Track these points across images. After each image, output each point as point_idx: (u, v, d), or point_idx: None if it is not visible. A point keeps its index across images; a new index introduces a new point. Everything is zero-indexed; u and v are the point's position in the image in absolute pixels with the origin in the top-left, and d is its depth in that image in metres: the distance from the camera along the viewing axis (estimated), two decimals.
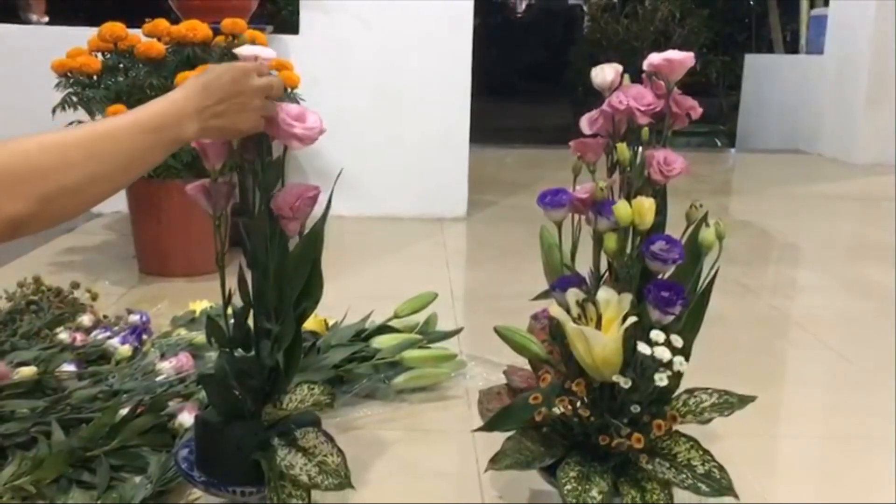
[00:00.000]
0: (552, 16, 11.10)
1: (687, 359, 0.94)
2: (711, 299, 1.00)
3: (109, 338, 1.45)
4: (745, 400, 1.02)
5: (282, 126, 0.93)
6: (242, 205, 0.98)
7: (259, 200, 0.96)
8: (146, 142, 0.89)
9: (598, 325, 0.94)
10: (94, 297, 1.69)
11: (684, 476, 0.94)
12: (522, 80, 10.10)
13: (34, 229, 0.85)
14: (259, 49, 0.95)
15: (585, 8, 9.27)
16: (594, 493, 0.92)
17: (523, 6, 11.91)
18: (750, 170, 4.91)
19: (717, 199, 3.67)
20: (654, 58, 0.98)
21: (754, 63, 6.29)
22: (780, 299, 2.24)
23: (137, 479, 1.07)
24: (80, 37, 2.20)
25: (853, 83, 4.69)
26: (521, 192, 3.50)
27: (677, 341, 0.93)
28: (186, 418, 1.17)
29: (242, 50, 0.95)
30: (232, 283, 1.00)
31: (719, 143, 6.51)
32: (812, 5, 6.19)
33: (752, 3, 8.21)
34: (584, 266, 1.04)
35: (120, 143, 0.88)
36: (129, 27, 2.14)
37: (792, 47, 6.94)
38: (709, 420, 1.01)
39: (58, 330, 1.47)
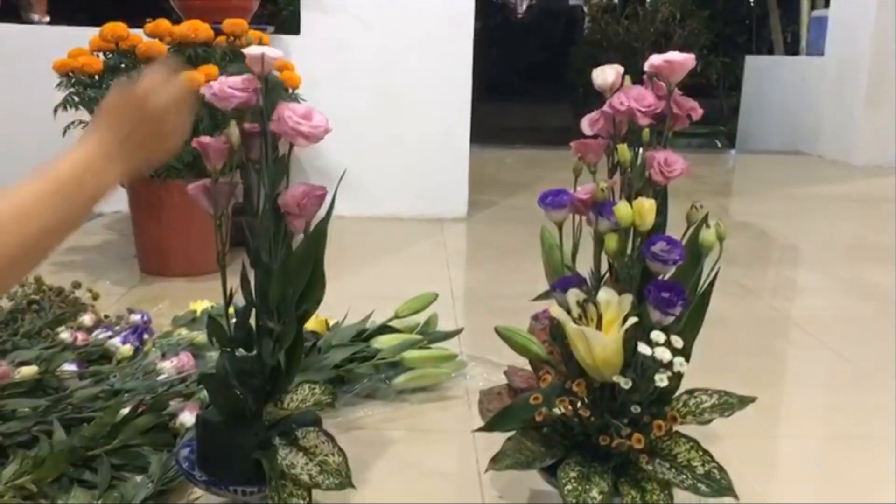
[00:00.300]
0: (552, 17, 11.10)
1: (687, 359, 0.94)
2: (711, 300, 1.00)
3: (110, 337, 1.45)
4: (745, 401, 1.02)
5: (288, 124, 0.93)
6: (246, 203, 0.98)
7: (263, 198, 0.96)
8: (64, 207, 0.78)
9: (599, 326, 0.94)
10: (96, 297, 1.69)
11: (684, 476, 0.94)
12: (523, 81, 10.10)
13: None
14: (265, 49, 0.95)
15: (586, 9, 9.27)
16: (594, 493, 0.93)
17: (524, 7, 11.91)
18: (750, 171, 4.91)
19: (717, 200, 3.68)
20: (655, 59, 0.98)
21: (755, 64, 6.29)
22: (780, 300, 2.24)
23: (139, 478, 1.08)
24: (82, 37, 2.20)
25: (853, 85, 4.70)
26: (521, 193, 3.50)
27: (678, 342, 0.93)
28: (188, 418, 1.18)
29: (249, 50, 0.95)
30: (233, 282, 1.00)
31: (719, 145, 6.52)
32: (813, 7, 6.19)
33: (752, 4, 8.21)
34: (584, 267, 1.04)
35: (34, 218, 0.76)
36: (130, 27, 2.14)
37: (792, 49, 6.94)
38: (709, 421, 1.01)
39: (59, 329, 1.47)
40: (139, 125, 0.84)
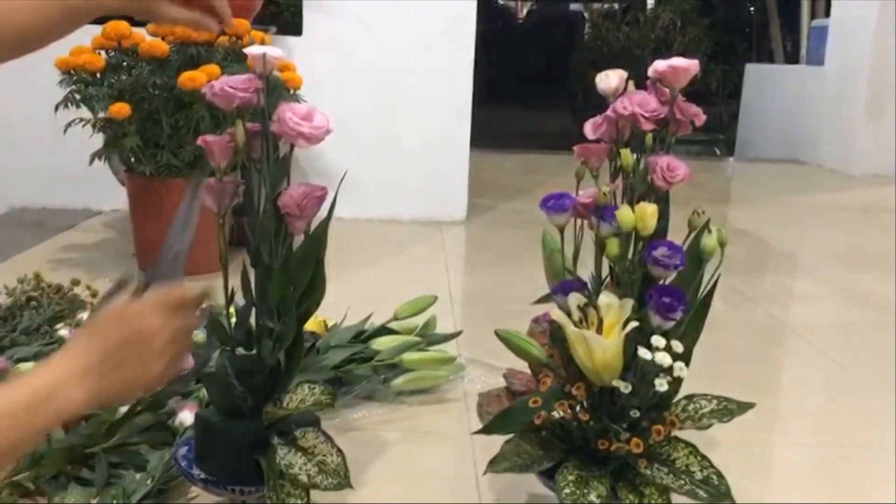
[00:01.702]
0: (553, 22, 11.11)
1: (687, 364, 0.95)
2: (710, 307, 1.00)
3: None
4: (744, 406, 1.02)
5: (289, 124, 0.93)
6: (247, 203, 0.98)
7: (264, 199, 0.96)
8: (22, 429, 0.68)
9: (599, 330, 0.94)
10: (94, 294, 1.69)
11: (683, 481, 0.94)
12: (523, 86, 10.11)
13: None
14: (267, 49, 0.95)
15: (586, 14, 9.28)
16: (593, 497, 0.93)
17: (524, 12, 11.94)
18: (748, 179, 4.92)
19: (715, 207, 3.68)
20: (660, 64, 0.98)
21: (754, 72, 6.31)
22: (777, 308, 2.24)
23: (138, 475, 1.07)
24: (84, 34, 2.20)
25: (853, 94, 4.71)
26: (520, 197, 3.50)
27: (678, 347, 0.93)
28: (187, 417, 1.18)
29: (251, 50, 0.95)
30: (233, 282, 1.00)
31: (718, 152, 6.52)
32: (813, 16, 6.21)
33: (753, 12, 8.24)
34: (585, 271, 1.04)
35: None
36: (132, 25, 2.14)
37: (792, 57, 6.96)
38: (708, 426, 1.01)
39: (58, 326, 1.47)
40: (120, 346, 0.74)
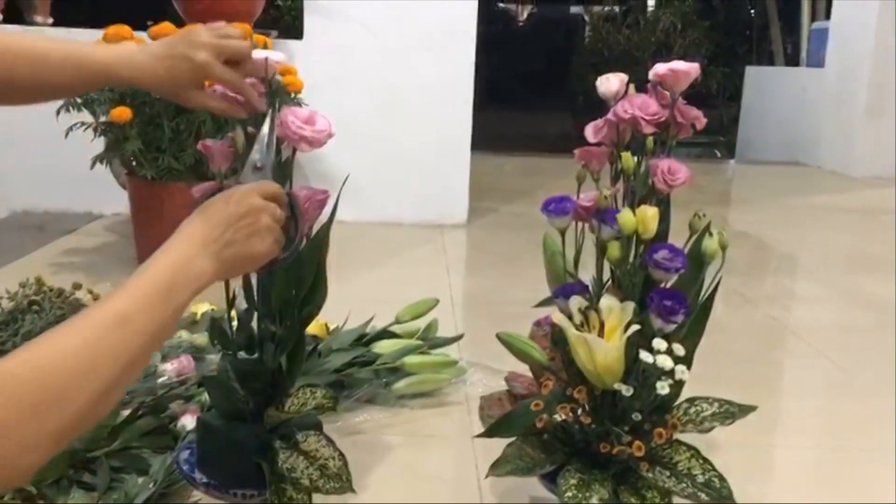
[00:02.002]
0: (553, 25, 11.13)
1: (689, 367, 0.95)
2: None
3: None
4: (745, 409, 1.02)
5: (291, 128, 0.93)
6: None
7: None
8: (162, 310, 0.72)
9: (601, 333, 0.94)
10: (96, 298, 1.69)
11: (684, 485, 0.94)
12: (523, 89, 10.11)
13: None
14: (269, 52, 0.96)
15: (587, 17, 9.30)
16: (594, 500, 0.93)
17: (525, 15, 11.95)
18: (749, 181, 4.92)
19: (716, 209, 3.68)
20: (660, 67, 0.99)
21: (755, 75, 6.31)
22: (778, 310, 2.25)
23: (140, 479, 1.07)
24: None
25: (853, 96, 4.71)
26: (521, 200, 3.50)
27: (679, 350, 0.93)
28: (189, 421, 1.18)
29: (253, 54, 0.95)
30: (234, 285, 1.00)
31: (719, 154, 6.53)
32: (813, 18, 6.21)
33: (753, 15, 8.24)
34: (586, 274, 1.04)
35: (132, 326, 0.69)
36: (134, 30, 2.14)
37: (793, 60, 6.97)
38: (709, 429, 1.01)
39: None
40: (234, 221, 0.80)
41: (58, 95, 1.09)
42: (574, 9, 11.21)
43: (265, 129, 0.93)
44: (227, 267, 0.80)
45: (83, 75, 0.95)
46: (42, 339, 0.65)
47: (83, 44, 0.96)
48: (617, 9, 8.34)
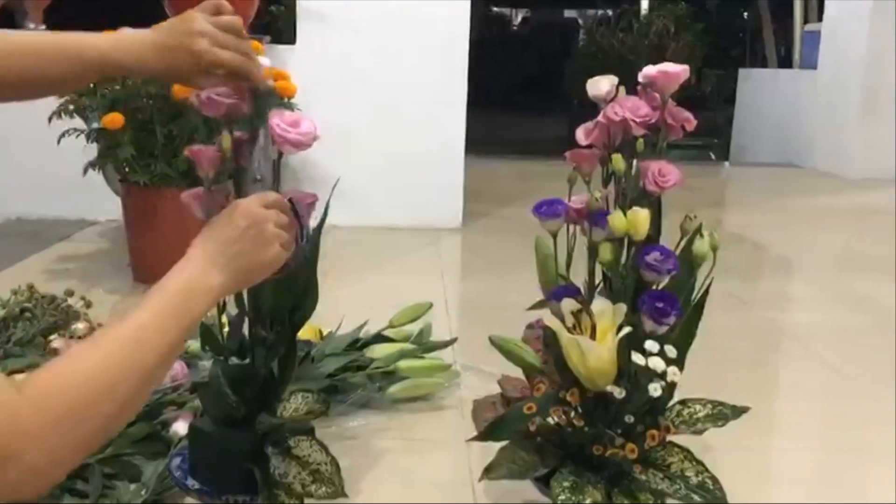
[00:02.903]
0: (548, 29, 11.15)
1: (681, 369, 0.94)
2: (704, 311, 1.00)
3: None
4: (738, 411, 1.02)
5: (276, 131, 0.93)
6: None
7: None
8: (176, 327, 0.76)
9: (593, 336, 0.94)
10: (89, 305, 1.68)
11: (678, 486, 0.94)
12: (518, 93, 10.13)
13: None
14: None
15: (581, 21, 9.32)
16: (588, 503, 0.92)
17: (519, 19, 11.98)
18: (743, 183, 4.93)
19: (710, 212, 3.68)
20: (650, 70, 0.99)
21: (748, 77, 6.33)
22: (773, 312, 2.25)
23: (132, 486, 1.07)
24: None
25: (846, 98, 4.73)
26: (515, 204, 3.50)
27: (671, 352, 0.93)
28: (181, 427, 1.17)
29: None
30: None
31: (713, 157, 6.54)
32: (806, 21, 6.23)
33: (746, 18, 8.27)
34: (578, 276, 1.04)
35: (149, 343, 0.73)
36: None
37: (786, 62, 6.99)
38: (702, 431, 1.01)
39: (52, 337, 1.47)
40: (241, 233, 0.83)
41: (54, 90, 1.08)
42: (568, 13, 11.25)
43: (261, 140, 0.95)
44: (239, 278, 0.84)
45: (78, 66, 0.95)
46: (68, 356, 0.69)
47: (75, 34, 0.96)
48: (611, 12, 8.35)
